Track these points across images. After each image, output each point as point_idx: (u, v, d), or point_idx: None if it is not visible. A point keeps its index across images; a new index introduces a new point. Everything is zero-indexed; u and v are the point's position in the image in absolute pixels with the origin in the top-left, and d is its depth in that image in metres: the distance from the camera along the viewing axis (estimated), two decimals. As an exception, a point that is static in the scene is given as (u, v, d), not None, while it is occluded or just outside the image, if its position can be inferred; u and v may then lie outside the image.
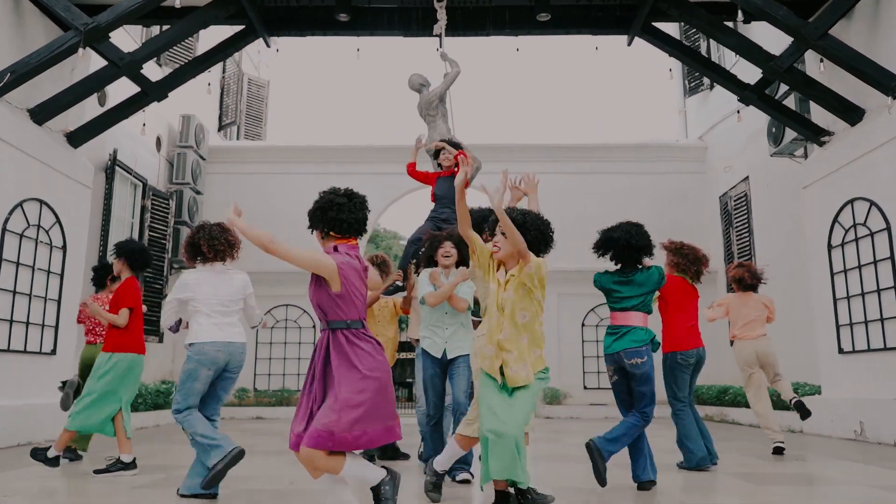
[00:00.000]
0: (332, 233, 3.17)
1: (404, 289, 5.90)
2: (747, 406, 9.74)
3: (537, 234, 3.40)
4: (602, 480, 4.08)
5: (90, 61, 8.46)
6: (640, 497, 4.02)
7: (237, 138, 14.91)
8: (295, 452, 2.96)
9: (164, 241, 11.64)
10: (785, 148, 9.29)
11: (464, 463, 4.56)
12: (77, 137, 8.24)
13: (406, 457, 5.88)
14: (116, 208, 10.35)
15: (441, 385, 4.79)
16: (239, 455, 3.85)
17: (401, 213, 44.88)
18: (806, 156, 9.29)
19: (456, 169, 6.06)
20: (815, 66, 8.23)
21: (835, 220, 7.88)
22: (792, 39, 7.54)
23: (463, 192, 3.40)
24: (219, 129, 14.34)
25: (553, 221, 3.62)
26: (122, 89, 9.02)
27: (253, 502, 3.95)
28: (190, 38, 11.75)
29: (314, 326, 12.48)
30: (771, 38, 8.55)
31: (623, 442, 4.19)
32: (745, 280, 6.36)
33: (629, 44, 8.78)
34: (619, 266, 4.45)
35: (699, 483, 4.58)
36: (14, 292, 7.05)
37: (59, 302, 7.76)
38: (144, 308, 5.30)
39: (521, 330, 3.33)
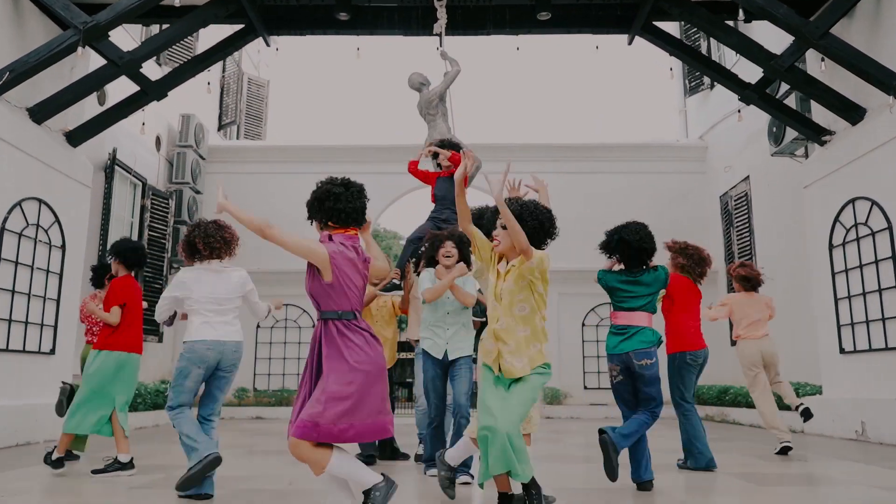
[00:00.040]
0: (330, 223, 3.13)
1: (401, 287, 5.87)
2: (748, 406, 9.74)
3: (535, 224, 3.30)
4: (615, 475, 4.05)
5: (89, 60, 8.45)
6: (641, 497, 4.00)
7: (237, 138, 14.90)
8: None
9: (163, 241, 11.63)
10: (786, 147, 9.27)
11: (464, 465, 4.54)
12: (76, 136, 8.22)
13: (406, 457, 5.87)
14: (116, 208, 10.33)
15: (442, 387, 4.76)
16: (213, 462, 3.80)
17: (401, 212, 44.85)
18: (807, 155, 9.27)
19: (454, 169, 6.04)
20: (816, 65, 8.21)
21: (836, 219, 7.86)
22: (793, 38, 7.52)
23: (462, 187, 3.37)
24: (218, 129, 14.33)
25: (553, 221, 3.58)
26: (121, 88, 9.01)
27: (252, 502, 3.92)
28: (189, 38, 11.75)
29: (314, 326, 12.46)
30: (772, 37, 8.54)
31: (633, 439, 4.17)
32: (753, 279, 6.34)
33: (630, 43, 8.76)
34: (625, 266, 4.42)
35: (700, 483, 4.56)
36: (13, 292, 7.03)
37: (58, 301, 7.74)
38: (145, 304, 5.28)
39: (519, 322, 3.26)
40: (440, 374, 4.73)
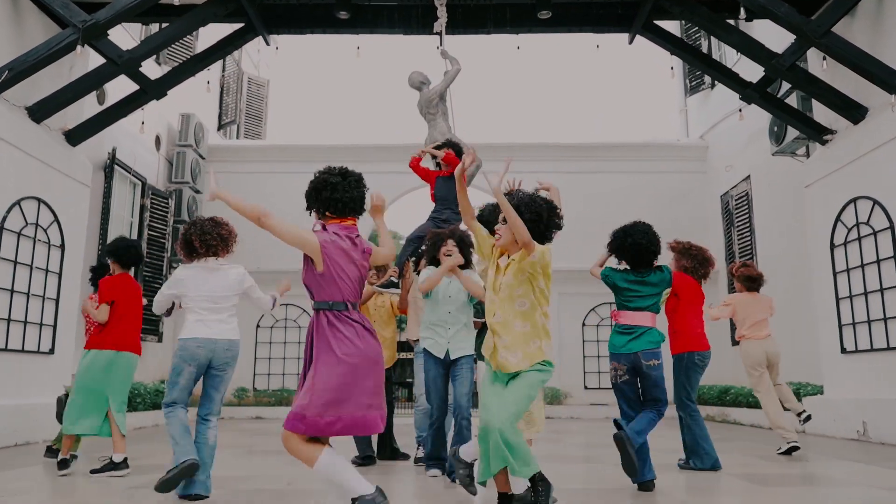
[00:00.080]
0: (327, 213, 3.08)
1: (399, 285, 5.83)
2: (749, 406, 9.72)
3: (533, 216, 3.22)
4: (636, 471, 4.01)
5: (89, 59, 8.43)
6: (642, 497, 3.98)
7: (237, 137, 14.88)
8: None
9: (163, 241, 11.61)
10: (787, 147, 9.25)
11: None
12: (76, 136, 8.20)
13: (406, 457, 5.84)
14: (115, 207, 10.31)
15: (444, 386, 4.72)
16: (189, 469, 3.76)
17: (401, 212, 44.83)
18: (808, 155, 9.25)
19: (452, 169, 6.02)
20: (817, 64, 8.19)
21: (837, 219, 7.84)
22: (794, 37, 7.51)
23: (463, 184, 3.34)
24: (218, 128, 14.31)
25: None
26: (120, 87, 8.99)
27: (252, 502, 3.91)
28: (189, 37, 11.73)
29: (314, 326, 12.44)
30: (773, 36, 8.51)
31: (644, 436, 4.16)
32: (756, 279, 6.32)
33: (630, 42, 8.74)
34: (631, 267, 4.39)
35: (700, 483, 4.54)
36: (12, 291, 7.02)
37: (57, 301, 7.72)
38: (145, 301, 5.26)
39: (517, 317, 3.20)
40: (442, 374, 4.70)
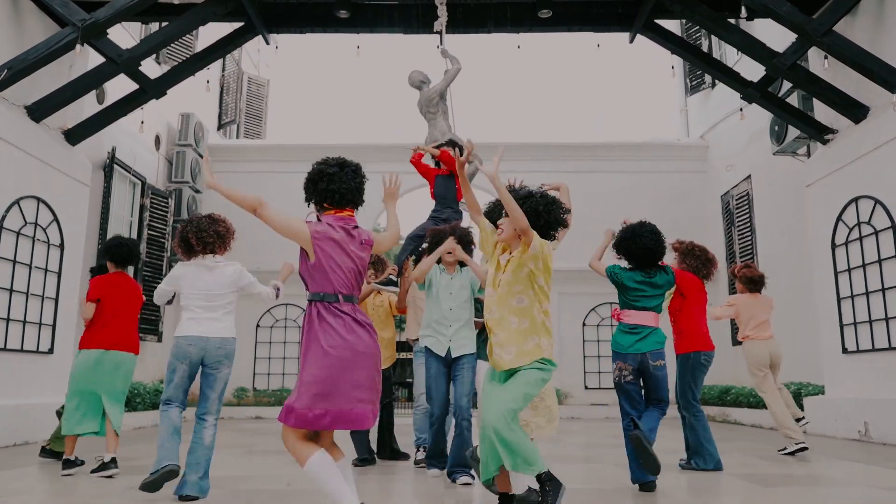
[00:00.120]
0: (324, 204, 3.03)
1: (398, 283, 5.80)
2: (749, 406, 9.70)
3: (529, 210, 3.18)
4: (658, 467, 3.99)
5: (88, 58, 8.41)
6: (643, 498, 3.96)
7: (237, 137, 14.87)
8: None
9: (162, 240, 11.59)
10: (788, 146, 9.23)
11: (464, 466, 4.50)
12: (75, 135, 8.18)
13: (406, 456, 5.82)
14: (115, 207, 10.30)
15: (445, 384, 4.67)
16: (167, 474, 3.79)
17: (401, 212, 44.68)
18: (809, 154, 9.23)
19: (447, 169, 6.01)
20: (818, 63, 8.17)
21: (838, 218, 7.82)
22: (795, 36, 7.49)
23: (466, 178, 3.31)
24: (218, 128, 14.30)
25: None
26: (120, 87, 8.98)
27: (252, 502, 3.89)
28: (189, 36, 11.72)
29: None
30: (774, 35, 8.49)
31: (654, 434, 4.16)
32: (758, 280, 6.31)
33: (631, 41, 8.72)
34: (637, 267, 4.36)
35: (701, 484, 4.52)
36: (11, 291, 7.00)
37: (56, 301, 7.70)
38: (145, 298, 5.24)
39: (514, 313, 3.15)
40: (443, 372, 4.66)
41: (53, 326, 7.66)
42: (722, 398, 10.71)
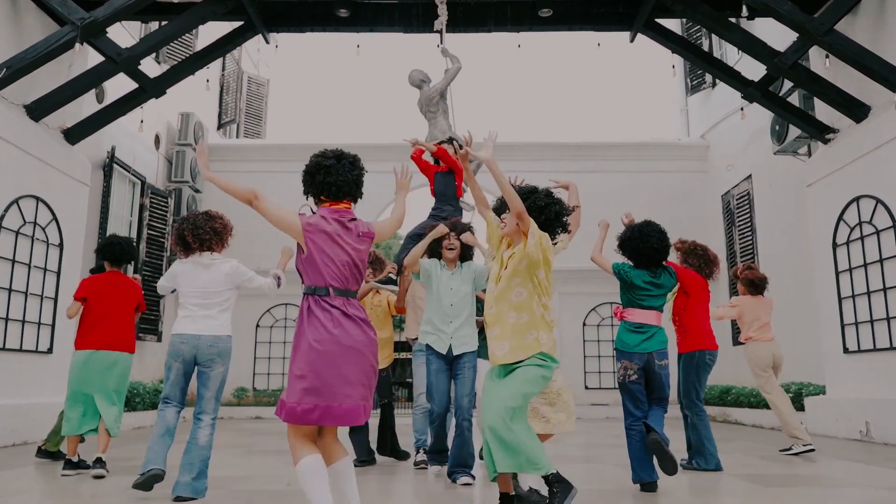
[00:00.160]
0: (322, 197, 2.98)
1: (397, 282, 5.77)
2: (750, 406, 9.68)
3: (529, 206, 3.13)
4: (676, 469, 4.01)
5: (87, 57, 8.39)
6: (643, 498, 3.95)
7: (237, 136, 14.85)
8: None
9: (162, 240, 11.57)
10: (788, 146, 9.21)
11: (465, 466, 4.48)
12: (74, 134, 8.17)
13: (406, 456, 5.80)
14: (114, 206, 10.28)
15: (446, 382, 4.62)
16: (150, 479, 3.79)
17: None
18: (810, 154, 9.21)
19: (445, 166, 6.00)
20: (819, 62, 8.16)
21: (840, 218, 7.80)
22: (797, 35, 7.47)
23: (471, 173, 3.29)
24: (218, 128, 14.28)
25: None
26: (120, 86, 8.96)
27: (251, 503, 3.87)
28: (189, 35, 11.70)
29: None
30: (775, 34, 8.47)
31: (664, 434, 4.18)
32: (761, 283, 6.30)
33: (632, 40, 8.70)
34: (642, 266, 4.34)
35: (702, 484, 4.51)
36: (10, 290, 6.98)
37: (55, 300, 7.68)
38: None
39: (512, 308, 3.11)
40: (444, 369, 4.60)
41: (52, 326, 7.64)
42: (722, 398, 10.69)
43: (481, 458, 4.60)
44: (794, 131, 8.91)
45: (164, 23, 8.67)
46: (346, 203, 2.98)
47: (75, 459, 4.84)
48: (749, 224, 11.31)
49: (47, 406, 6.90)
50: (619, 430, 5.74)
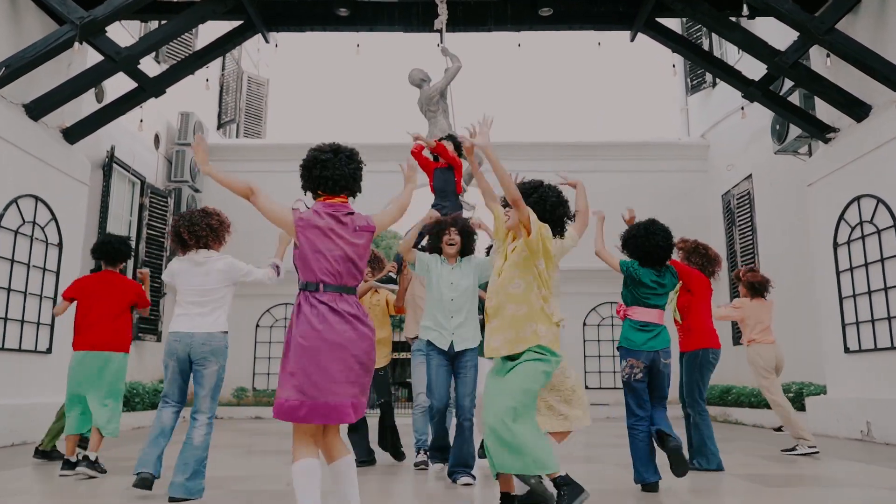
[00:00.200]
0: (319, 191, 2.94)
1: (397, 281, 5.74)
2: (750, 406, 9.67)
3: (538, 200, 3.11)
4: (687, 471, 4.03)
5: (87, 56, 8.37)
6: (646, 498, 3.93)
7: (236, 136, 14.83)
8: None
9: (162, 240, 11.55)
10: (789, 145, 9.20)
11: (465, 466, 4.45)
12: (74, 133, 8.15)
13: (403, 457, 5.76)
14: (114, 206, 10.26)
15: (447, 377, 4.56)
16: (140, 482, 3.82)
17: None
18: (810, 153, 9.20)
19: (445, 162, 5.99)
20: (820, 61, 8.15)
21: (840, 217, 7.79)
22: (797, 34, 7.45)
23: (477, 167, 3.26)
24: (218, 127, 14.26)
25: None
26: (119, 85, 8.94)
27: (251, 503, 3.85)
28: (188, 34, 11.69)
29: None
30: (776, 33, 8.46)
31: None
32: (765, 286, 6.30)
33: (632, 39, 8.69)
34: (648, 265, 4.32)
35: (703, 484, 4.49)
36: (8, 290, 6.97)
37: (54, 300, 7.66)
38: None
39: (510, 299, 3.08)
40: (445, 365, 4.54)
41: (51, 326, 7.63)
42: (723, 398, 10.67)
43: (482, 456, 4.58)
44: (794, 131, 8.90)
45: (163, 22, 8.66)
46: (342, 197, 2.95)
47: (73, 459, 4.81)
48: (749, 224, 11.30)
49: (46, 406, 6.88)
50: (619, 430, 5.73)
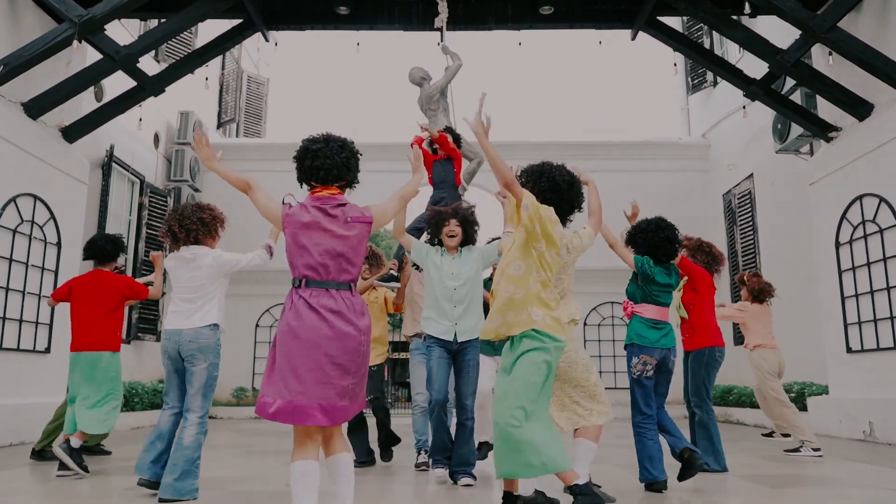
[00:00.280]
0: (313, 182, 2.88)
1: (398, 279, 5.70)
2: (752, 406, 9.64)
3: (550, 185, 3.06)
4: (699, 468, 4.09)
5: (86, 55, 8.34)
6: (650, 498, 3.90)
7: (236, 136, 14.81)
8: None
9: (161, 240, 11.52)
10: (791, 144, 9.17)
11: (466, 466, 4.42)
12: (72, 132, 8.12)
13: (390, 456, 5.72)
14: (113, 205, 10.23)
15: (448, 369, 4.46)
16: (140, 484, 3.83)
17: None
18: (812, 152, 9.17)
19: (444, 154, 5.98)
20: (822, 60, 8.11)
21: (843, 216, 7.76)
22: (799, 33, 7.42)
23: (485, 139, 3.17)
24: (218, 127, 14.24)
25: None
26: (118, 84, 8.91)
27: (251, 503, 3.83)
28: (188, 33, 11.66)
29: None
30: (777, 32, 8.43)
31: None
32: (768, 291, 6.28)
33: (633, 38, 8.67)
34: (655, 260, 4.28)
35: (707, 485, 4.46)
36: (7, 289, 6.94)
37: (53, 299, 7.64)
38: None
39: (509, 282, 3.02)
40: (446, 357, 4.45)
41: (50, 326, 7.60)
42: (724, 398, 10.65)
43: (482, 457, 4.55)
44: (796, 130, 8.87)
45: (162, 20, 8.63)
46: (335, 188, 2.88)
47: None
48: (751, 223, 11.26)
49: (45, 406, 6.84)
50: (622, 430, 5.70)
